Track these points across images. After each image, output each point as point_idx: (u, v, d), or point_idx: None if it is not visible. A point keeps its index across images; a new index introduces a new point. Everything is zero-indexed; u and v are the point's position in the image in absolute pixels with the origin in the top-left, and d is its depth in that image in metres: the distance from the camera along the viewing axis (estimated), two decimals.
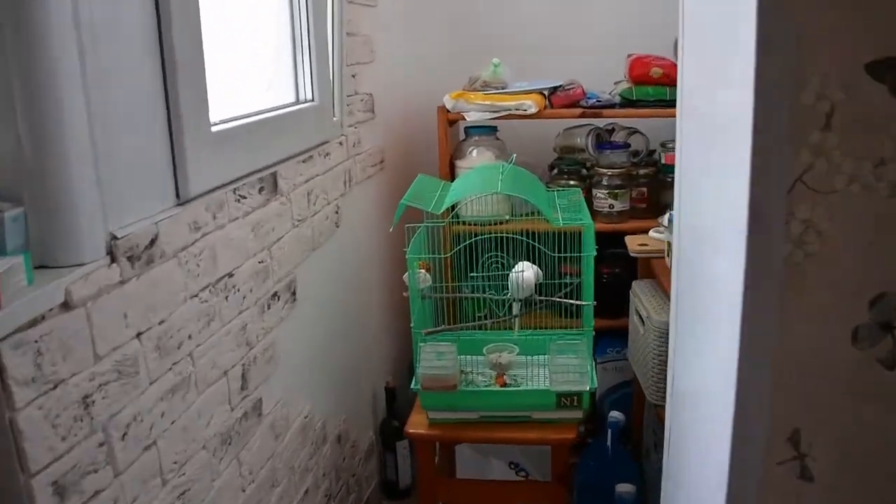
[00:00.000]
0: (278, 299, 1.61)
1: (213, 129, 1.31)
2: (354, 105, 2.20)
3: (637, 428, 2.50)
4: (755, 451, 0.98)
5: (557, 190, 1.97)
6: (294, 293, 1.71)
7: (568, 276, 2.52)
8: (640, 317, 2.06)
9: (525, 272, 1.69)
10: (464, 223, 2.22)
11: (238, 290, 1.41)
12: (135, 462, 1.09)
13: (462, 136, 2.54)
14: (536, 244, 1.78)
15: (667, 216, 1.95)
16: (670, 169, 2.36)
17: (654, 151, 2.59)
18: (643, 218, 2.47)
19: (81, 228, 0.97)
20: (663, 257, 2.05)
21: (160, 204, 1.17)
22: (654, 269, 2.09)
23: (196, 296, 1.26)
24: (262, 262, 1.52)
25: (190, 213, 1.23)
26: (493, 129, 2.48)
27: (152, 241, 1.12)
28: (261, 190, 1.51)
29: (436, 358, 1.71)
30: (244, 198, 1.43)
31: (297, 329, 1.73)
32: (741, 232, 0.91)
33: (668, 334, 1.86)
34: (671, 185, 2.46)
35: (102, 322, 1.00)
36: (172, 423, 1.19)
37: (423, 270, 1.78)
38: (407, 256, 1.67)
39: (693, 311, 1.28)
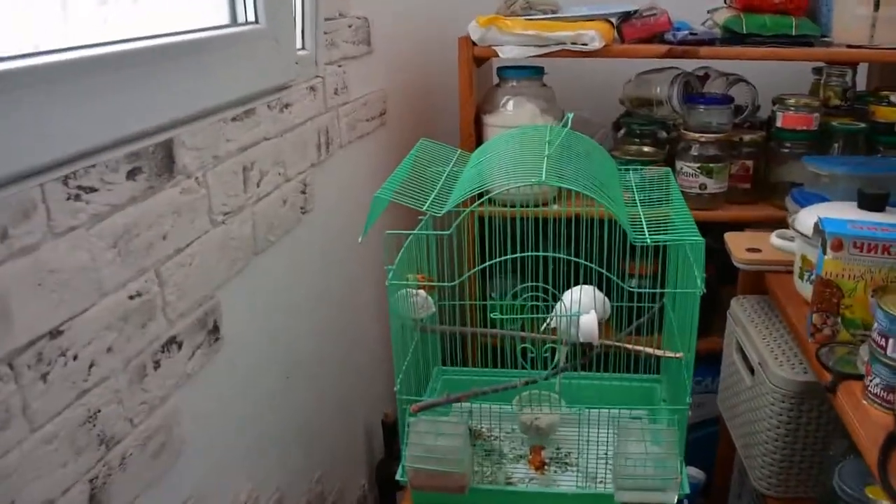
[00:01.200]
0: (178, 349, 1.03)
1: None
2: (339, 33, 1.59)
3: (721, 489, 1.90)
4: None
5: (632, 168, 1.35)
6: (214, 330, 1.13)
7: (635, 279, 1.93)
8: (748, 362, 1.45)
9: (585, 312, 1.08)
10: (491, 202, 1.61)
11: (75, 358, 0.83)
12: None
13: (494, 80, 1.91)
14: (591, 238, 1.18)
15: (805, 218, 1.32)
16: (790, 135, 1.71)
17: (758, 108, 1.94)
18: (746, 202, 1.84)
19: None
20: (790, 272, 1.43)
21: None
22: (770, 285, 1.48)
23: None
24: (138, 295, 0.94)
25: None
26: (539, 72, 1.85)
27: None
28: (133, 173, 0.92)
29: (434, 439, 1.12)
30: (92, 190, 0.84)
31: (221, 382, 1.16)
32: None
33: (798, 402, 1.26)
34: (789, 157, 1.84)
35: None
36: None
37: (420, 292, 1.19)
38: (388, 283, 1.07)
39: None
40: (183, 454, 1.06)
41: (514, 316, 1.11)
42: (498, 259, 1.06)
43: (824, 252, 1.13)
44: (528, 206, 1.44)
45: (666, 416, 1.22)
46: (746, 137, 1.83)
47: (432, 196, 1.04)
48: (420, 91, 2.20)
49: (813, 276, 1.26)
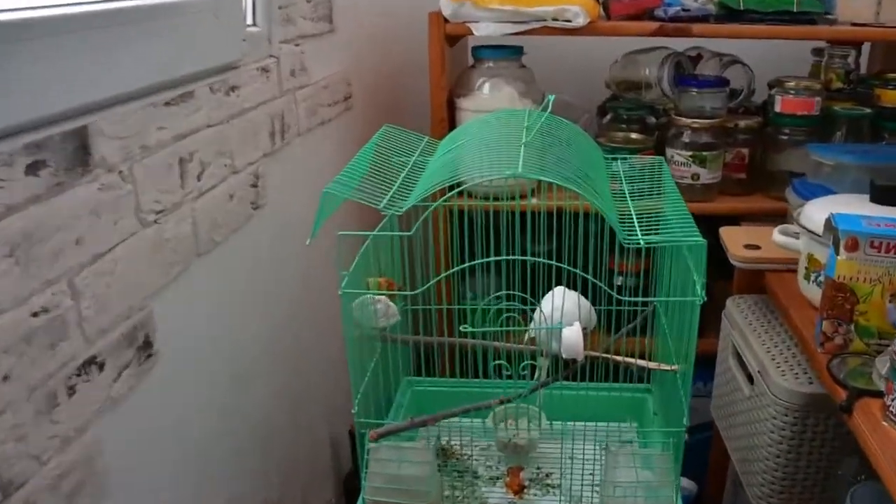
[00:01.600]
0: (99, 370, 0.91)
1: None
2: (295, 8, 1.46)
3: (713, 500, 1.81)
4: None
5: (619, 157, 1.24)
6: (146, 345, 1.00)
7: (621, 276, 1.82)
8: (746, 368, 1.34)
9: (568, 323, 0.96)
10: (462, 195, 1.49)
11: None
12: None
13: (469, 60, 1.79)
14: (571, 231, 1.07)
15: (811, 212, 1.21)
16: (789, 121, 1.60)
17: (753, 92, 1.83)
18: (740, 193, 1.73)
19: None
20: (792, 272, 1.33)
21: None
22: (771, 285, 1.37)
23: None
24: (44, 311, 0.81)
25: None
26: (517, 52, 1.73)
27: None
28: (35, 167, 0.79)
29: (398, 466, 1.00)
30: None
31: (156, 403, 1.04)
32: None
33: (803, 416, 1.16)
34: (788, 144, 1.73)
35: None
36: None
37: (382, 297, 1.07)
38: (340, 291, 0.95)
39: None
40: (108, 491, 0.93)
41: (488, 329, 0.99)
42: (468, 264, 0.94)
43: (837, 252, 1.02)
44: (503, 200, 1.32)
45: (659, 437, 1.11)
46: (742, 123, 1.73)
47: (392, 191, 0.92)
48: (388, 73, 2.07)
49: (821, 278, 1.15)
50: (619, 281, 1.81)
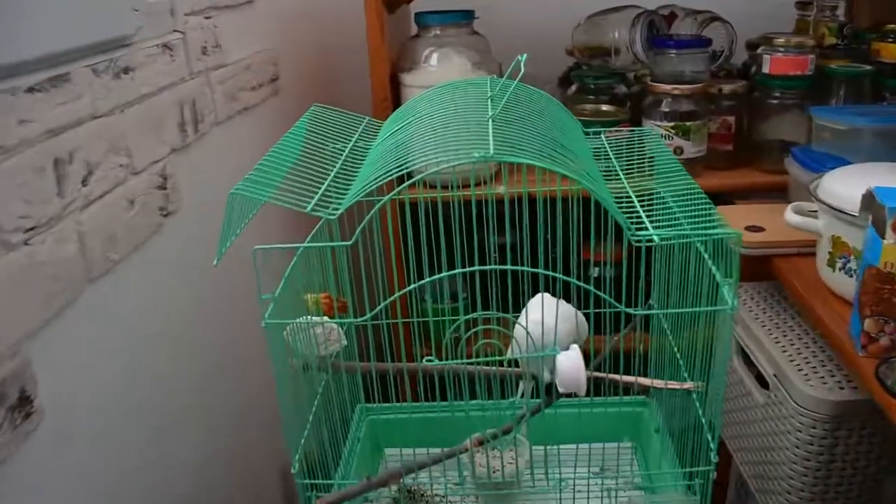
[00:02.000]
0: None
1: None
2: None
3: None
4: None
5: (601, 129, 1.05)
6: (23, 402, 0.79)
7: (598, 266, 1.64)
8: (755, 370, 1.18)
9: (562, 346, 0.77)
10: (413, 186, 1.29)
11: None
12: None
13: (413, 29, 1.59)
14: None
15: (831, 186, 1.04)
16: (780, 82, 1.43)
17: (732, 54, 1.66)
18: (727, 167, 1.56)
19: None
20: (804, 256, 1.16)
21: None
22: (782, 273, 1.20)
23: None
24: None
25: None
26: (468, 17, 1.53)
27: None
28: None
29: None
30: None
31: (40, 471, 0.83)
32: None
33: (833, 428, 0.99)
34: (778, 110, 1.56)
35: None
36: None
37: (324, 319, 0.87)
38: (264, 323, 0.75)
39: None
40: None
41: (457, 361, 0.79)
42: (421, 282, 0.74)
43: (881, 235, 0.84)
44: (453, 190, 1.11)
45: (674, 479, 0.93)
46: (726, 88, 1.55)
47: (323, 188, 0.71)
48: (321, 49, 1.85)
49: (852, 265, 0.98)
50: (595, 272, 1.63)
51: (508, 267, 0.70)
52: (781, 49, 1.46)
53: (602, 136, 1.03)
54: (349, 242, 0.68)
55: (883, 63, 1.49)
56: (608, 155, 0.97)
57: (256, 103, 1.46)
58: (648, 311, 0.85)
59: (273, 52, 1.54)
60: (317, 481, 0.83)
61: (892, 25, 1.49)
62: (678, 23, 1.64)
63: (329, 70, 1.89)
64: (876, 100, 1.49)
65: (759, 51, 1.51)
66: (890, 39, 1.48)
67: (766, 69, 1.49)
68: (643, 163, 0.98)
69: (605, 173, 0.95)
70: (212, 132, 1.27)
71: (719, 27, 1.61)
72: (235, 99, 1.36)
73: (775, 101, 1.50)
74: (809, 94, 1.48)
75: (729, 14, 1.65)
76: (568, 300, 0.87)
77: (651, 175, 0.95)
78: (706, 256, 0.79)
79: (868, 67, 1.46)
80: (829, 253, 1.03)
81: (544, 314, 0.77)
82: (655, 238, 0.70)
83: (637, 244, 0.71)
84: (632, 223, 0.73)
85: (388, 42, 1.49)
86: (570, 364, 0.73)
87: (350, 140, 0.88)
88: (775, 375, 1.12)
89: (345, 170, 0.80)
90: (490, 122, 0.76)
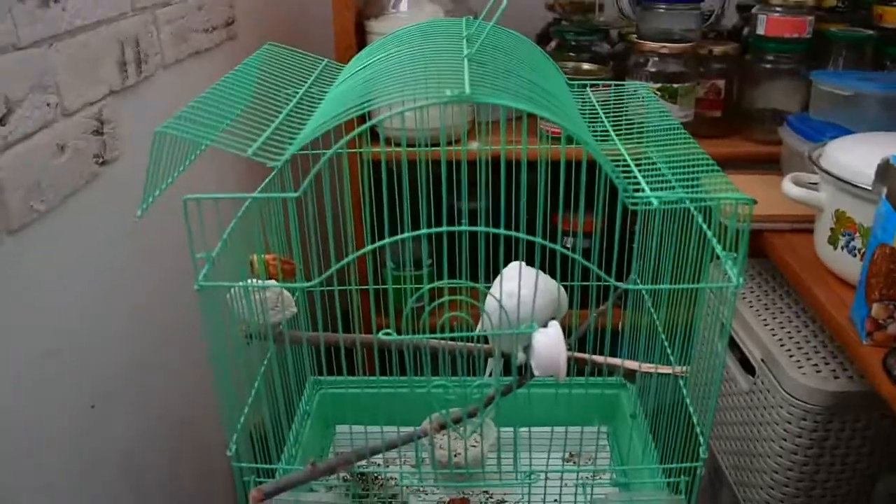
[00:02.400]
0: None
1: None
2: None
3: None
4: None
5: (588, 81, 0.97)
6: None
7: (569, 236, 1.56)
8: (740, 354, 1.11)
9: (539, 322, 0.68)
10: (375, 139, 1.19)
11: None
12: None
13: None
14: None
15: (836, 155, 0.96)
16: (776, 45, 1.36)
17: (722, 14, 1.58)
18: (715, 135, 1.48)
19: None
20: (800, 232, 1.09)
21: None
22: (775, 249, 1.13)
23: None
24: None
25: None
26: None
27: None
28: None
29: None
30: None
31: None
32: None
33: (825, 420, 0.93)
34: (772, 75, 1.48)
35: None
36: None
37: (270, 283, 0.78)
38: (197, 285, 0.65)
39: None
40: None
41: (418, 336, 0.71)
42: (378, 244, 0.65)
43: None
44: (421, 146, 1.00)
45: (655, 475, 0.85)
46: (717, 50, 1.47)
47: (269, 131, 0.62)
48: None
49: (855, 244, 0.91)
50: (567, 242, 1.55)
51: (480, 228, 0.62)
52: (779, 9, 1.38)
53: (588, 90, 0.95)
54: (296, 194, 0.58)
55: (885, 28, 1.41)
56: (596, 112, 0.89)
57: (210, 47, 1.35)
58: (639, 287, 0.76)
59: None
60: (257, 465, 0.74)
61: None
62: None
63: (291, 14, 1.78)
64: (876, 68, 1.41)
65: (753, 10, 1.42)
66: (894, 3, 1.40)
67: (760, 30, 1.40)
68: (633, 123, 0.90)
69: (592, 133, 0.86)
70: (158, 75, 1.16)
71: None
72: (185, 41, 1.25)
73: (769, 66, 1.42)
74: (806, 59, 1.40)
75: None
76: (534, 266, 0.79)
77: (645, 136, 0.87)
78: (705, 227, 0.71)
79: (870, 32, 1.38)
80: (832, 229, 0.95)
81: (521, 285, 0.68)
82: (654, 201, 0.61)
83: (633, 208, 0.62)
84: (634, 187, 0.65)
85: None
86: (549, 343, 0.64)
87: (306, 83, 0.78)
88: (763, 360, 1.05)
89: (297, 113, 0.70)
90: (465, 62, 0.67)
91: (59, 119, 0.92)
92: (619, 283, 0.65)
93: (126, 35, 1.07)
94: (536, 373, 0.67)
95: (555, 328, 0.65)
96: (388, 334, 0.67)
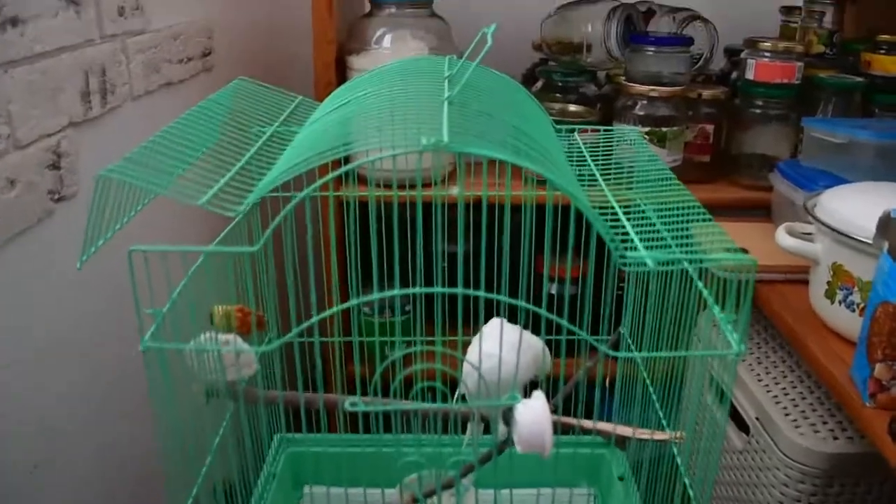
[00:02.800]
0: None
1: None
2: None
3: None
4: None
5: (576, 127, 0.92)
6: None
7: (554, 283, 1.50)
8: (738, 410, 1.05)
9: (521, 391, 0.62)
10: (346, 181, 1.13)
11: None
12: None
13: (366, 7, 1.44)
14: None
15: (831, 205, 0.91)
16: (764, 90, 1.32)
17: (711, 57, 1.54)
18: (703, 181, 1.44)
19: None
20: (794, 283, 1.04)
21: None
22: (768, 302, 1.07)
23: None
24: None
25: None
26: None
27: None
28: None
29: None
30: None
31: None
32: None
33: (825, 484, 0.87)
34: (760, 120, 1.44)
35: None
36: None
37: (232, 338, 0.72)
38: (142, 346, 0.59)
39: None
40: None
41: (388, 408, 0.64)
42: (345, 305, 0.58)
43: None
44: (398, 189, 0.95)
45: None
46: (706, 94, 1.42)
47: (229, 175, 0.56)
48: (261, 24, 1.69)
49: (855, 299, 0.86)
50: (552, 289, 1.50)
51: (459, 291, 0.55)
52: (768, 54, 1.34)
53: (576, 134, 0.90)
54: (253, 248, 0.52)
55: (874, 76, 1.37)
56: (583, 156, 0.83)
57: (183, 79, 1.29)
58: (629, 355, 0.70)
59: (207, 22, 1.38)
60: None
61: (885, 36, 1.38)
62: (656, 20, 1.51)
63: (271, 47, 1.73)
64: (865, 115, 1.38)
65: (742, 55, 1.39)
66: (882, 51, 1.37)
67: (749, 75, 1.37)
68: (622, 167, 0.85)
69: (579, 179, 0.81)
70: (126, 107, 1.10)
71: (699, 27, 1.48)
72: (157, 71, 1.20)
73: (758, 111, 1.38)
74: (795, 105, 1.37)
75: (724, 11, 1.54)
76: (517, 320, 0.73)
77: (634, 183, 0.81)
78: (706, 293, 0.65)
79: (859, 80, 1.35)
80: (828, 283, 0.90)
81: (502, 348, 0.62)
82: (649, 262, 0.56)
83: (624, 268, 0.57)
84: (624, 245, 0.59)
85: (337, 21, 1.33)
86: (533, 419, 0.58)
87: (276, 121, 0.73)
88: (757, 419, 1.00)
89: (266, 153, 0.64)
90: (445, 105, 0.62)
91: (11, 151, 0.85)
92: (609, 351, 0.59)
93: (91, 63, 1.01)
94: (518, 449, 0.60)
95: (539, 401, 0.59)
96: (354, 405, 0.60)
